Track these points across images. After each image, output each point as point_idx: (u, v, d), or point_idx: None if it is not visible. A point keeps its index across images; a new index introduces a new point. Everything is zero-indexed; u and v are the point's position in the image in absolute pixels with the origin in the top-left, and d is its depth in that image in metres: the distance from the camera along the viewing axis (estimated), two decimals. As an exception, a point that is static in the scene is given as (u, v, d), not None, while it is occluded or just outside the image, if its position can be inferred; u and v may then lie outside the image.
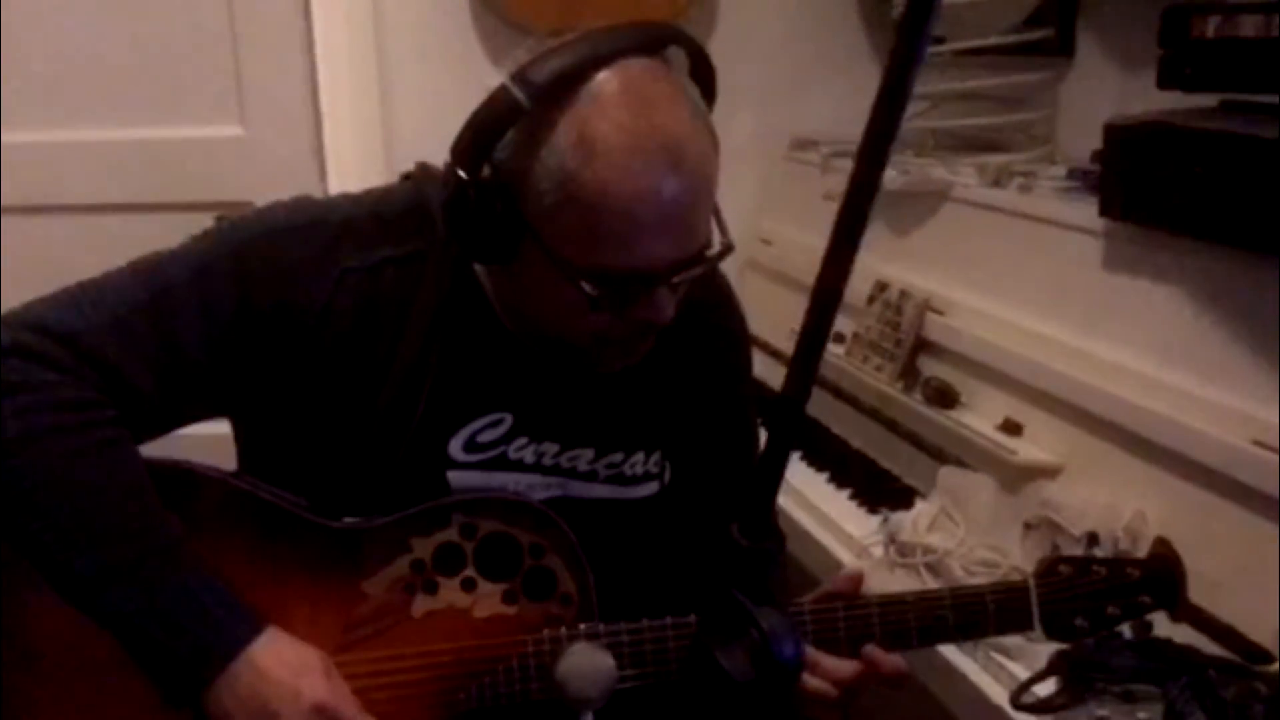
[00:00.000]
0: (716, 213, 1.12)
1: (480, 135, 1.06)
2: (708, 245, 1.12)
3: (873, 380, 1.91)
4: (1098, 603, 1.17)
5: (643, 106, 1.05)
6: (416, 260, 1.17)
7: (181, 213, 2.10)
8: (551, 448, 1.24)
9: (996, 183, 1.92)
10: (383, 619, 1.16)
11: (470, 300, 1.19)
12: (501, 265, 1.13)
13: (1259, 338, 1.35)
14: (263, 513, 1.16)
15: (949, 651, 1.36)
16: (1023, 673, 1.28)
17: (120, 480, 1.10)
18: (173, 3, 2.38)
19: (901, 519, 1.58)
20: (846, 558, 1.66)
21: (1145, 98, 1.57)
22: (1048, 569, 1.18)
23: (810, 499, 1.80)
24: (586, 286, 1.07)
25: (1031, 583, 1.18)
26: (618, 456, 1.27)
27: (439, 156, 1.12)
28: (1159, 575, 1.17)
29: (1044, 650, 1.25)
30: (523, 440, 1.22)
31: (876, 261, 2.01)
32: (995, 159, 1.98)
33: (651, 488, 1.29)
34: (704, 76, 1.13)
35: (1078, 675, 1.20)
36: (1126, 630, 1.21)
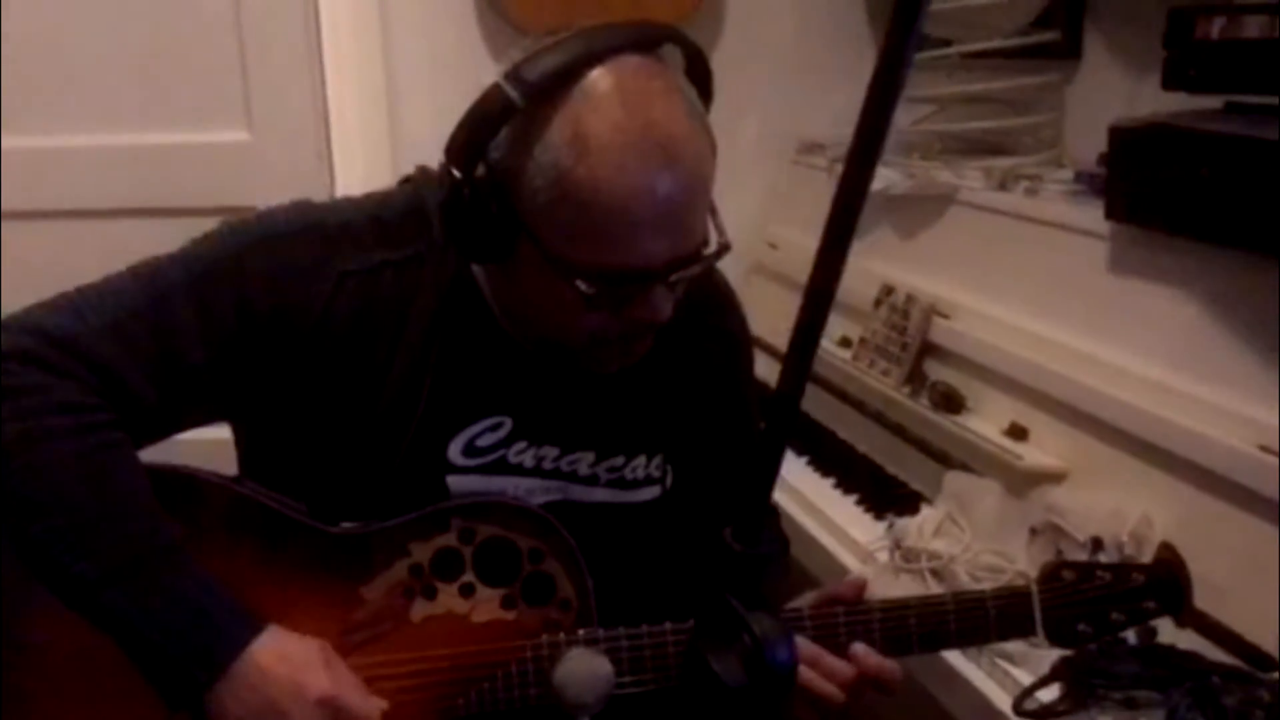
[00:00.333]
0: (714, 212, 1.11)
1: (474, 133, 1.06)
2: (705, 244, 1.11)
3: (878, 384, 1.91)
4: (1102, 608, 1.16)
5: (637, 103, 1.04)
6: (415, 263, 1.17)
7: (188, 218, 2.09)
8: (551, 451, 1.23)
9: (1003, 186, 1.91)
10: (381, 624, 1.16)
11: (469, 303, 1.18)
12: (498, 265, 1.13)
13: (1266, 342, 1.34)
14: (262, 517, 1.16)
15: (952, 657, 1.35)
16: (1026, 678, 1.27)
17: (119, 483, 1.09)
18: (179, 7, 2.38)
19: (907, 524, 1.57)
20: (852, 563, 1.65)
21: (1154, 100, 1.56)
22: (1051, 574, 1.18)
23: (816, 504, 1.80)
24: (582, 285, 1.07)
25: (1034, 588, 1.17)
26: (619, 460, 1.26)
27: (446, 161, 1.11)
28: (1164, 580, 1.17)
29: (1048, 656, 1.24)
30: (522, 444, 1.22)
31: (882, 265, 2.00)
32: (1002, 162, 1.97)
33: (653, 492, 1.29)
34: (700, 76, 1.12)
35: (1080, 681, 1.19)
36: (1131, 636, 1.20)
